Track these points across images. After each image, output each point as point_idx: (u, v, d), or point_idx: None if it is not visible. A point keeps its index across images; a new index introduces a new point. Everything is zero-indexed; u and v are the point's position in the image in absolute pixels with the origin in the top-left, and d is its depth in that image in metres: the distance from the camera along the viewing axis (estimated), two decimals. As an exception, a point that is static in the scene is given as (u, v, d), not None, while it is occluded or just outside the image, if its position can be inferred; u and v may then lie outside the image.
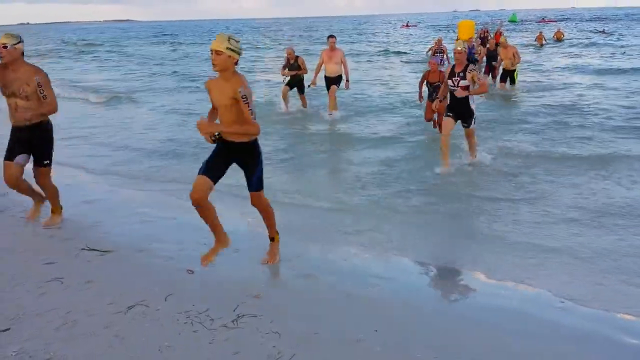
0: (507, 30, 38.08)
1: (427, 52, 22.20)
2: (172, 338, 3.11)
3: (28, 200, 5.17)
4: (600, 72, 17.26)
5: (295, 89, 10.95)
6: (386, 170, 7.09)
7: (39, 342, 3.06)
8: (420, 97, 9.08)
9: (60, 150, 8.49)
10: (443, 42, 17.46)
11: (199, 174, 3.77)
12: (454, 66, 6.76)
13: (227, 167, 3.88)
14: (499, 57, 13.42)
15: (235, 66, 3.65)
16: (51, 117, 4.74)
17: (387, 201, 5.89)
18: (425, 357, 2.98)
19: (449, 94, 6.93)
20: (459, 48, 6.61)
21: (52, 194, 4.97)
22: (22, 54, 4.48)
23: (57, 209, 5.02)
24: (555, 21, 64.00)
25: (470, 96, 6.71)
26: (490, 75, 14.10)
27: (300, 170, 7.41)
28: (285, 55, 10.92)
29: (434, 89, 8.63)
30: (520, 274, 4.14)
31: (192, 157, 7.66)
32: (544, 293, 3.85)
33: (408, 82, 16.18)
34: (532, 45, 28.99)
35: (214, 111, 3.92)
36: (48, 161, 4.79)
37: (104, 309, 3.42)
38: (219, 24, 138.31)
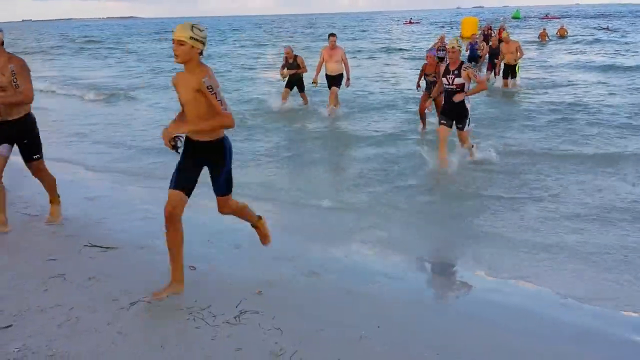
0: (510, 26, 37.95)
1: (430, 49, 22.12)
2: (175, 334, 3.12)
3: (31, 196, 5.18)
4: (604, 69, 17.19)
5: (295, 87, 10.92)
6: (388, 168, 7.08)
7: (42, 339, 3.07)
8: (418, 84, 9.28)
9: (60, 147, 8.62)
10: (446, 39, 17.40)
11: (170, 187, 3.44)
12: (448, 64, 6.59)
13: (198, 174, 3.54)
14: (501, 53, 13.33)
15: (200, 57, 3.35)
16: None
17: (389, 199, 5.89)
18: (427, 355, 2.98)
19: (444, 92, 6.76)
20: (453, 46, 6.42)
21: (49, 184, 4.92)
22: (2, 43, 4.29)
23: (55, 199, 4.99)
24: (559, 18, 63.74)
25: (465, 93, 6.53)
26: (493, 72, 14.06)
27: (302, 167, 7.41)
28: (284, 54, 10.90)
29: (430, 81, 8.59)
30: (522, 271, 4.13)
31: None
32: (546, 291, 3.85)
33: (410, 79, 16.13)
34: (535, 42, 28.90)
35: (183, 114, 3.56)
36: (38, 155, 4.70)
37: (107, 306, 3.42)
38: (220, 20, 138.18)
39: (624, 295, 3.78)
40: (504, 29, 17.19)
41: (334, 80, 10.28)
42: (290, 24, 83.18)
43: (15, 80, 4.26)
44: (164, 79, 18.17)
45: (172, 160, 7.48)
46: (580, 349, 3.13)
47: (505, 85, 13.22)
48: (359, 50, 27.95)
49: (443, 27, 51.91)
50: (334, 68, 10.17)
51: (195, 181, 3.51)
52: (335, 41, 10.08)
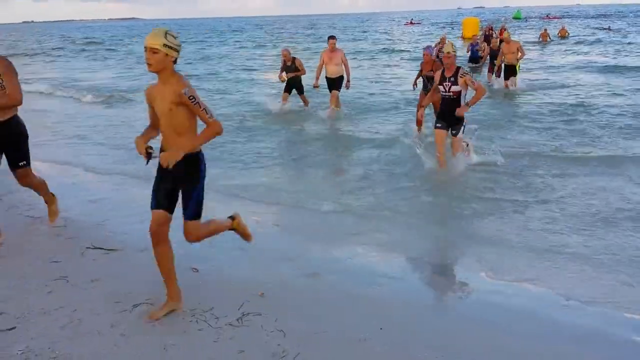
0: (511, 27, 37.94)
1: (427, 46, 22.10)
2: (177, 336, 3.13)
3: (33, 198, 5.19)
4: (606, 69, 17.15)
5: (294, 90, 10.89)
6: (389, 170, 7.07)
7: (45, 341, 3.08)
8: (415, 83, 9.32)
9: (61, 149, 8.64)
10: (447, 40, 17.41)
11: (151, 208, 3.34)
12: (443, 71, 6.38)
13: (177, 190, 3.36)
14: (500, 53, 13.27)
15: (174, 65, 3.17)
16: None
17: (390, 200, 5.88)
18: (429, 356, 2.99)
19: (441, 99, 6.56)
20: (448, 51, 6.20)
21: (40, 188, 4.76)
22: None
23: (49, 197, 4.89)
24: (560, 18, 63.72)
25: (462, 99, 6.33)
26: (494, 73, 14.04)
27: (303, 169, 7.42)
28: (282, 57, 10.89)
29: (428, 79, 8.49)
30: (525, 273, 4.13)
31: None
32: (548, 292, 3.84)
33: (410, 80, 16.12)
34: (536, 42, 28.89)
35: (152, 129, 3.42)
36: (24, 162, 4.43)
37: (110, 308, 3.44)
38: (221, 21, 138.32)
39: (628, 297, 3.77)
40: (505, 29, 17.20)
41: (335, 83, 10.28)
42: (291, 25, 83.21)
43: (1, 80, 4.09)
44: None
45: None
46: (581, 350, 3.13)
47: (506, 85, 13.22)
48: (359, 52, 27.96)
49: (444, 27, 51.91)
50: (334, 70, 10.16)
51: (176, 197, 3.36)
52: (335, 44, 10.05)
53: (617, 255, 4.38)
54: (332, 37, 10.19)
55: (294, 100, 11.20)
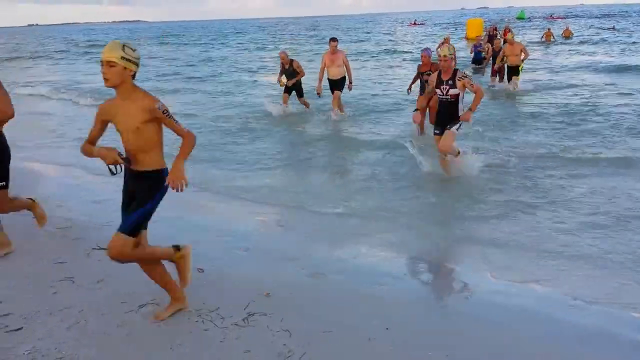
0: (515, 27, 37.89)
1: (436, 50, 22.10)
2: (183, 337, 3.13)
3: (40, 199, 5.19)
4: (611, 69, 17.06)
5: (294, 92, 10.87)
6: (394, 171, 7.05)
7: (51, 341, 3.08)
8: (410, 88, 9.30)
9: (64, 151, 8.64)
10: (451, 40, 17.39)
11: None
12: (440, 73, 6.19)
13: None
14: (501, 54, 13.17)
15: (133, 80, 3.01)
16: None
17: (395, 201, 5.86)
18: (434, 357, 2.97)
19: (438, 103, 6.40)
20: (445, 55, 6.00)
21: (20, 207, 4.43)
22: None
23: (30, 205, 4.55)
24: (564, 18, 63.58)
25: (460, 102, 6.19)
26: (498, 75, 13.98)
27: (306, 171, 7.41)
28: (280, 60, 10.88)
29: (425, 80, 8.38)
30: (531, 274, 4.11)
31: (191, 159, 7.62)
32: (555, 293, 3.82)
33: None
34: (540, 42, 28.81)
35: (92, 146, 3.29)
36: (3, 182, 4.05)
37: (116, 308, 3.44)
38: (224, 23, 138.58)
39: (636, 297, 3.74)
40: (509, 30, 17.15)
41: (337, 84, 10.27)
42: (293, 27, 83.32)
43: None
44: (167, 84, 18.27)
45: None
46: (588, 350, 3.11)
47: (512, 87, 13.15)
48: (362, 53, 27.98)
49: (447, 28, 51.86)
50: (336, 72, 10.16)
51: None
52: (336, 46, 10.04)
53: (625, 256, 4.34)
54: (333, 40, 10.18)
55: (296, 102, 11.20)
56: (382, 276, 4.06)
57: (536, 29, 42.91)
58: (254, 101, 13.39)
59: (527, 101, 12.09)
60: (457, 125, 6.26)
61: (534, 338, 3.21)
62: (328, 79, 10.28)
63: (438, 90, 6.23)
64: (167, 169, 3.14)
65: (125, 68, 2.93)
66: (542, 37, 30.07)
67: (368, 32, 53.02)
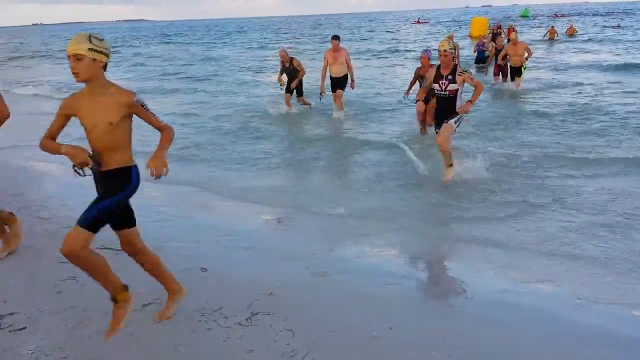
0: (519, 25, 37.76)
1: (426, 49, 22.04)
2: (187, 336, 3.13)
3: (43, 199, 5.21)
4: (616, 68, 16.96)
5: (295, 91, 10.85)
6: (396, 170, 7.03)
7: (55, 341, 3.09)
8: (408, 91, 9.26)
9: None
10: (455, 38, 17.34)
11: (114, 230, 3.15)
12: (439, 68, 6.10)
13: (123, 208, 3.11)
14: (503, 52, 13.09)
15: (104, 72, 2.86)
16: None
17: (397, 201, 5.85)
18: (440, 356, 2.97)
19: (436, 99, 6.34)
20: (445, 49, 5.93)
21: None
22: None
23: (7, 218, 4.34)
24: (568, 16, 63.31)
25: (458, 98, 6.13)
26: (501, 74, 13.92)
27: (307, 171, 7.40)
28: (280, 58, 10.86)
29: (423, 76, 8.39)
30: (537, 274, 4.09)
31: (192, 159, 7.66)
32: (561, 293, 3.81)
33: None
34: (544, 40, 28.70)
35: (52, 141, 3.03)
36: None
37: (119, 308, 3.43)
38: (228, 22, 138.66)
39: (638, 298, 3.72)
40: (513, 29, 17.09)
41: (339, 82, 10.26)
42: (297, 26, 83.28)
43: None
44: (169, 83, 18.28)
45: (184, 164, 7.56)
46: (591, 350, 3.10)
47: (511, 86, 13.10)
48: (366, 51, 27.92)
49: (451, 27, 51.73)
50: (338, 70, 10.15)
51: (131, 210, 3.16)
52: (338, 44, 10.04)
53: (630, 256, 4.31)
54: (335, 38, 10.18)
55: (297, 101, 11.17)
56: (384, 276, 4.05)
57: (540, 27, 42.74)
58: (256, 101, 13.39)
59: (531, 100, 12.02)
60: (456, 118, 6.18)
61: (537, 338, 3.19)
62: (330, 77, 10.27)
63: (436, 85, 6.14)
64: (137, 166, 3.05)
65: (94, 60, 2.78)
66: (546, 35, 29.95)
67: (371, 31, 52.92)
